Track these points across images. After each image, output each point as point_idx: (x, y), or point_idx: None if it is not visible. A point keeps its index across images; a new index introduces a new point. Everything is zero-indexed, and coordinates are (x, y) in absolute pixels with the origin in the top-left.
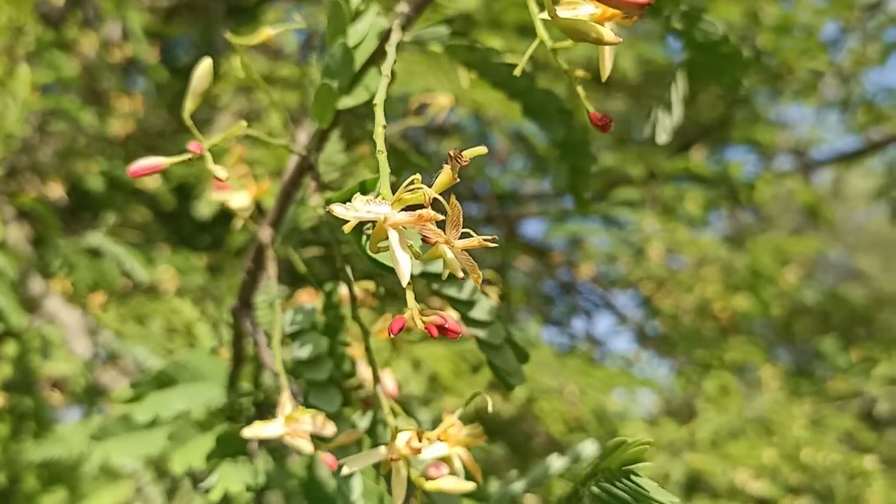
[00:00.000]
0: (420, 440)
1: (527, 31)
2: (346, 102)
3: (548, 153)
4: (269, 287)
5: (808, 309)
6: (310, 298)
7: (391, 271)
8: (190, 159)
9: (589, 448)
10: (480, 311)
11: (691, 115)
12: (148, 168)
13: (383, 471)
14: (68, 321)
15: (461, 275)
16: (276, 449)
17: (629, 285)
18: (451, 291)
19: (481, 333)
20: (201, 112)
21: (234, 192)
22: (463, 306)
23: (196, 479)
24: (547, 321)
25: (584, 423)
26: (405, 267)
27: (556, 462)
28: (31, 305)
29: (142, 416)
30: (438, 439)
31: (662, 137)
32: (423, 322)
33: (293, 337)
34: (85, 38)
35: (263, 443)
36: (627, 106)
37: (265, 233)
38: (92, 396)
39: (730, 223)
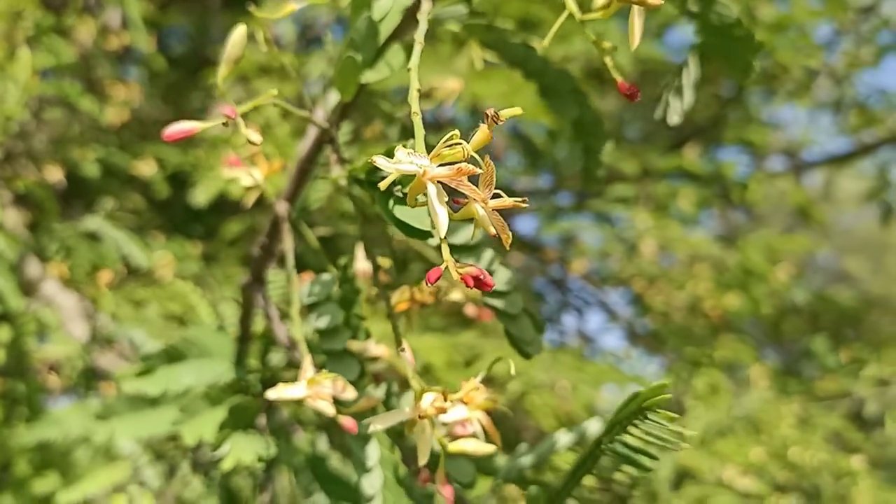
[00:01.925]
0: (445, 401)
1: (528, 23)
2: (369, 76)
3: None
4: (287, 259)
5: (798, 309)
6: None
7: (418, 235)
8: (225, 123)
9: (594, 426)
10: (499, 281)
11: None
12: (181, 132)
13: (408, 431)
14: (65, 305)
15: (493, 231)
16: (283, 427)
17: (620, 283)
18: (470, 261)
19: (499, 303)
20: (196, 100)
21: (245, 170)
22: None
23: (195, 461)
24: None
25: (576, 417)
26: (443, 220)
27: (563, 437)
28: (28, 289)
29: (152, 388)
30: (461, 401)
31: (674, 119)
32: (460, 273)
33: (310, 308)
34: (82, 25)
35: (271, 420)
36: (621, 105)
37: (281, 207)
38: (89, 380)
39: (721, 223)
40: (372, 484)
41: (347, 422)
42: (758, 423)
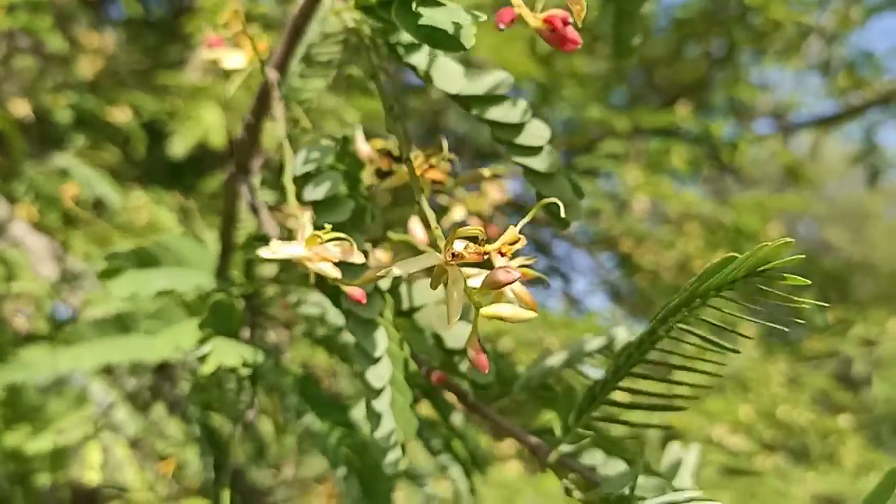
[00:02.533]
0: (482, 244)
1: None
2: None
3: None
4: (278, 126)
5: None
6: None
7: (449, 43)
8: None
9: (622, 333)
10: (530, 136)
11: (672, 75)
12: None
13: (434, 283)
14: (34, 247)
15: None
16: (271, 349)
17: (608, 245)
18: (497, 114)
19: (531, 161)
20: (174, 52)
21: (229, 51)
22: (509, 131)
23: (172, 403)
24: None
25: (551, 384)
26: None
27: (593, 342)
28: None
29: (118, 291)
30: (500, 252)
31: None
32: (541, 18)
33: (305, 180)
34: None
35: (256, 333)
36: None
37: (271, 74)
38: (56, 323)
39: (711, 188)
40: (379, 375)
41: (355, 292)
42: (746, 381)
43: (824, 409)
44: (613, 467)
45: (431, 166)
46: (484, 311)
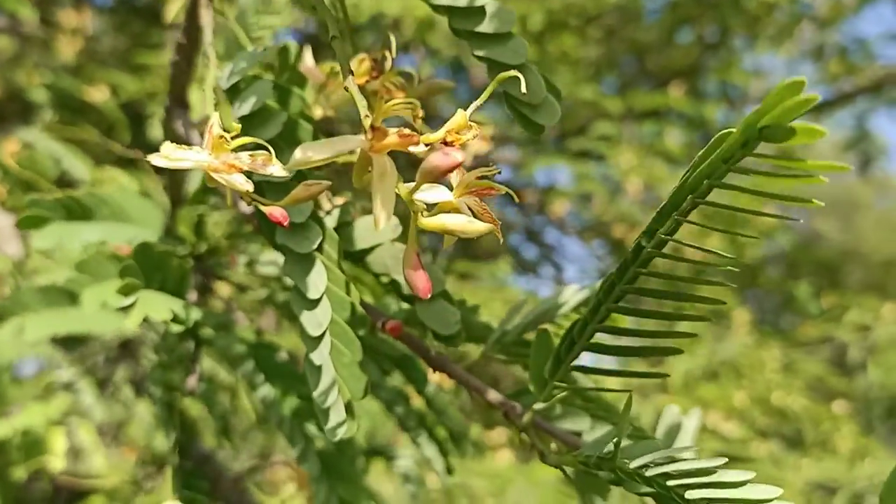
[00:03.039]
0: (416, 131)
1: None
2: None
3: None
4: (205, 34)
5: (777, 257)
6: None
7: None
8: None
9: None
10: (491, 22)
11: (665, 61)
12: None
13: (357, 178)
14: (1, 225)
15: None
16: (219, 310)
17: (599, 232)
18: None
19: (492, 52)
20: (156, 35)
21: None
22: (466, 18)
23: (137, 386)
24: (516, 269)
25: (529, 340)
26: None
27: (576, 294)
28: None
29: (41, 242)
30: (444, 143)
31: None
32: None
33: (233, 92)
34: None
35: (205, 298)
36: (600, 51)
37: None
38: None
39: None
40: (317, 321)
41: (275, 212)
42: (740, 368)
43: (819, 395)
44: (600, 432)
45: (379, 72)
46: (425, 220)
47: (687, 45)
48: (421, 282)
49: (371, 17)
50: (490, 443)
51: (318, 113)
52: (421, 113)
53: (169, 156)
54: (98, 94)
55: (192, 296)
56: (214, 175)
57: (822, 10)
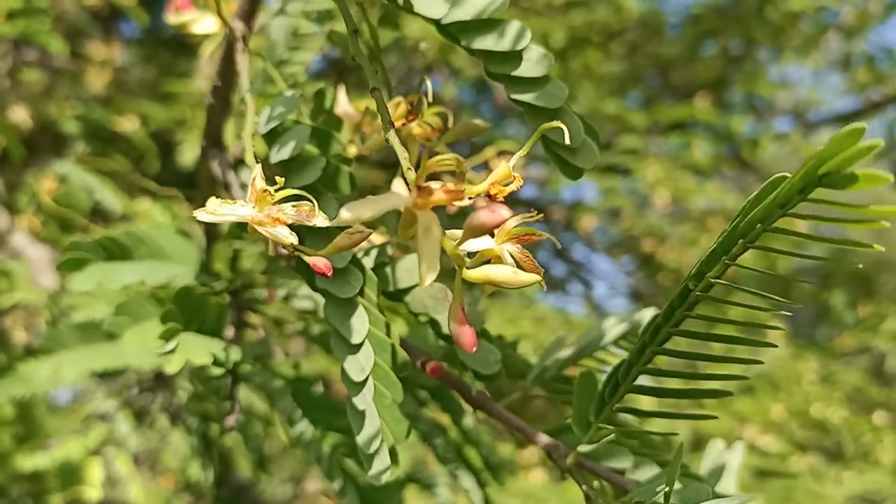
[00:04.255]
0: (462, 179)
1: None
2: None
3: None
4: (242, 81)
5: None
6: None
7: None
8: None
9: (648, 313)
10: (529, 66)
11: (689, 74)
12: None
13: (403, 233)
14: (35, 256)
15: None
16: (258, 344)
17: (627, 248)
18: (486, 43)
19: (530, 97)
20: (184, 64)
21: (198, 14)
22: (503, 63)
23: (173, 415)
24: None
25: (570, 376)
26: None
27: (616, 327)
28: None
29: (82, 284)
30: (488, 195)
31: None
32: None
33: (272, 138)
34: None
35: (241, 333)
36: (624, 66)
37: (237, 26)
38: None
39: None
40: (359, 366)
41: (318, 262)
42: (777, 380)
43: (858, 406)
44: (645, 471)
45: (415, 115)
46: (470, 273)
47: (711, 58)
48: (467, 337)
49: (393, 40)
50: (522, 462)
51: (352, 151)
52: (467, 167)
53: (214, 211)
54: (128, 124)
55: (230, 331)
56: (259, 228)
57: (848, 18)
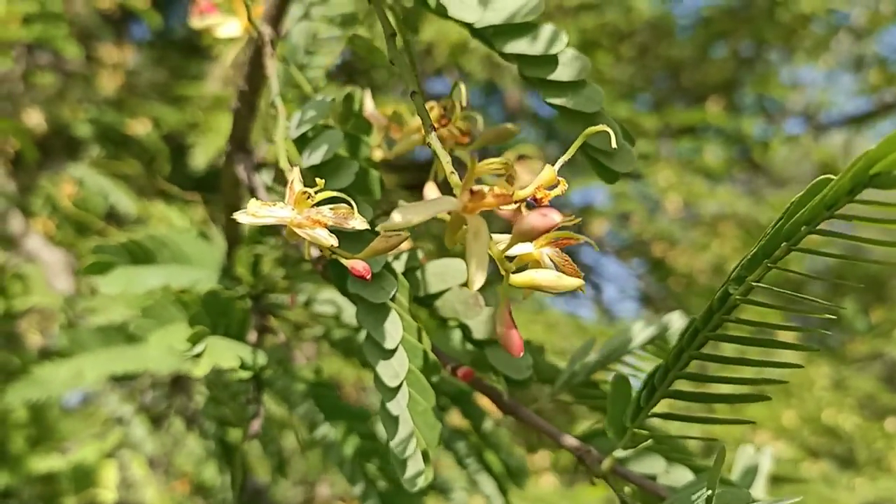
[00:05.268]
0: (511, 185)
1: None
2: None
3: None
4: (271, 85)
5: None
6: None
7: None
8: None
9: (678, 319)
10: (564, 70)
11: (700, 76)
12: None
13: (450, 238)
14: (50, 260)
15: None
16: (279, 348)
17: (638, 251)
18: (520, 46)
19: (566, 101)
20: (195, 67)
21: (223, 18)
22: (539, 66)
23: (189, 419)
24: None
25: (598, 381)
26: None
27: (644, 331)
28: (10, 244)
29: (107, 288)
30: (535, 200)
31: None
32: None
33: (303, 142)
34: None
35: (263, 338)
36: (633, 70)
37: (265, 30)
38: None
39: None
40: (394, 371)
41: (357, 265)
42: (789, 386)
43: (871, 413)
44: (678, 476)
45: (448, 120)
46: (516, 277)
47: (722, 60)
48: (515, 341)
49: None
50: (533, 467)
51: (377, 156)
52: (515, 171)
53: (255, 213)
54: (140, 127)
55: (252, 336)
56: (297, 230)
57: (860, 20)
